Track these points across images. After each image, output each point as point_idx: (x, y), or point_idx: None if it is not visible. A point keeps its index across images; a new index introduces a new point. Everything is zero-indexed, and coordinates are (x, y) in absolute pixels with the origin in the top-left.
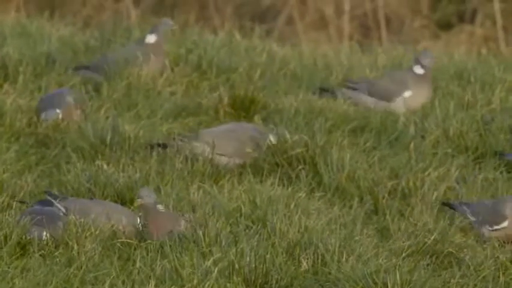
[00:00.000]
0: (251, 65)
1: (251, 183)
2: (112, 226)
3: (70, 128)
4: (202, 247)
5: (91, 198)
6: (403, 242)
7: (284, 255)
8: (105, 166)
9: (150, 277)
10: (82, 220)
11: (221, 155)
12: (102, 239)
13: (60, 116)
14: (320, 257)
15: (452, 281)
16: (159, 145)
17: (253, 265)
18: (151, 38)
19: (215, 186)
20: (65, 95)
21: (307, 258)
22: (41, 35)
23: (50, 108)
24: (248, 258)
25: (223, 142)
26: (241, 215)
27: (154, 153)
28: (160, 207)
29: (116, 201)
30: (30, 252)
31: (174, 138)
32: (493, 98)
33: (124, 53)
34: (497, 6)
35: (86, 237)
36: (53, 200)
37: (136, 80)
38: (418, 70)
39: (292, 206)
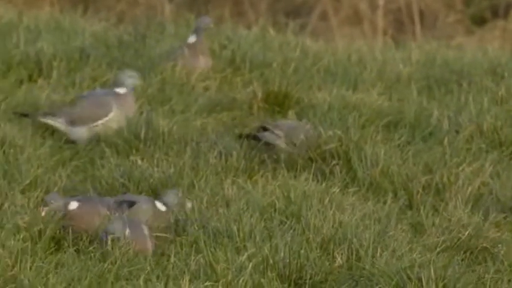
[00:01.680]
0: (285, 60)
1: (285, 178)
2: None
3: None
4: (237, 242)
5: (124, 193)
6: (437, 237)
7: (318, 250)
8: (139, 161)
9: (184, 272)
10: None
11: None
12: None
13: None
14: (354, 252)
15: (486, 276)
16: None
17: (287, 260)
18: (192, 38)
19: (249, 181)
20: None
21: (341, 254)
22: (74, 30)
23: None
24: (282, 254)
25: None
26: (275, 210)
27: (188, 149)
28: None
29: (150, 196)
30: (64, 248)
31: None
32: None
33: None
34: None
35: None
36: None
37: (171, 75)
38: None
39: (326, 201)
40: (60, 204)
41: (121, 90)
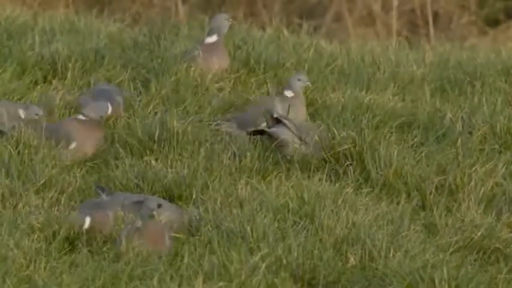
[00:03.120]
0: (299, 61)
1: (299, 179)
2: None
3: (118, 123)
4: (250, 243)
5: (139, 194)
6: (450, 238)
7: (331, 250)
8: (153, 162)
9: (198, 272)
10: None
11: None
12: None
13: (109, 112)
14: (367, 252)
15: (499, 276)
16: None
17: (301, 261)
18: (212, 38)
19: (263, 182)
20: (113, 93)
21: (355, 254)
22: (89, 31)
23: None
24: (296, 254)
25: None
26: (288, 211)
27: (202, 149)
28: None
29: (164, 197)
30: (78, 248)
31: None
32: None
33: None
34: None
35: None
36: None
37: (185, 76)
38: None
39: (339, 201)
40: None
41: (289, 94)
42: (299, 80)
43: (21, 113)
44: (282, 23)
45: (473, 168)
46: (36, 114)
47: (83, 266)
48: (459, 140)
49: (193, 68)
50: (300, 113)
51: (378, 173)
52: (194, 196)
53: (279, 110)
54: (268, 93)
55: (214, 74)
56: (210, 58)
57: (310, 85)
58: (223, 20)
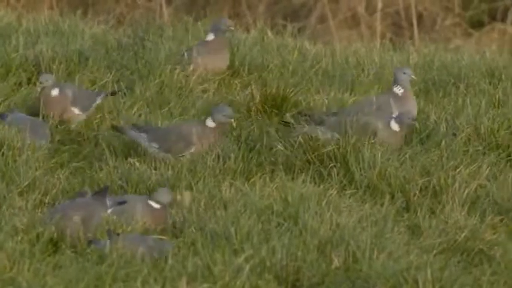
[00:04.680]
0: (283, 63)
1: (283, 180)
2: (144, 223)
3: (103, 125)
4: (234, 244)
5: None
6: (434, 240)
7: (315, 252)
8: (137, 163)
9: (181, 274)
10: (114, 217)
11: None
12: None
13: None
14: (351, 254)
15: (483, 278)
16: None
17: (285, 262)
18: (210, 36)
19: (247, 183)
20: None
21: (338, 256)
22: (73, 32)
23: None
24: (279, 256)
25: None
26: (272, 212)
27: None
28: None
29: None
30: (62, 250)
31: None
32: None
33: None
34: None
35: (118, 234)
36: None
37: (169, 78)
38: None
39: (323, 203)
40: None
41: (399, 90)
42: (404, 73)
43: None
44: (267, 24)
45: (457, 170)
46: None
47: (67, 268)
48: (443, 142)
49: (191, 68)
50: (412, 107)
51: (361, 174)
52: (178, 198)
53: (393, 107)
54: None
55: (198, 76)
56: (209, 56)
57: (415, 78)
58: (221, 22)
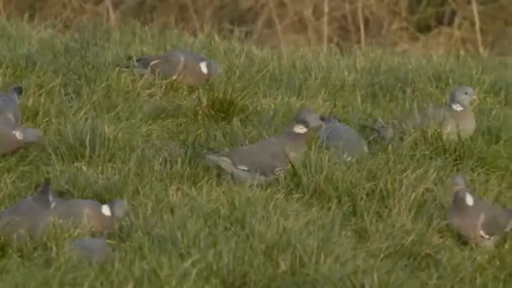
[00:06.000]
0: (230, 67)
1: (229, 184)
2: (91, 228)
3: (49, 129)
4: (181, 249)
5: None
6: (381, 244)
7: (262, 256)
8: (84, 168)
9: (128, 278)
10: (61, 221)
11: None
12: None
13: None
14: (298, 258)
15: (429, 282)
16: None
17: (232, 267)
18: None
19: (194, 187)
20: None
21: (285, 260)
22: (20, 36)
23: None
24: (226, 260)
25: None
26: (219, 217)
27: (133, 155)
28: None
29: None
30: (8, 254)
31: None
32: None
33: None
34: (475, 8)
35: (64, 239)
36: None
37: (116, 82)
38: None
39: (270, 207)
40: None
41: (457, 107)
42: (466, 93)
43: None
44: (214, 29)
45: (404, 174)
46: None
47: (13, 272)
48: (390, 146)
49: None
50: (470, 128)
51: (308, 178)
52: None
53: (449, 123)
54: None
55: (145, 80)
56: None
57: (477, 100)
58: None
